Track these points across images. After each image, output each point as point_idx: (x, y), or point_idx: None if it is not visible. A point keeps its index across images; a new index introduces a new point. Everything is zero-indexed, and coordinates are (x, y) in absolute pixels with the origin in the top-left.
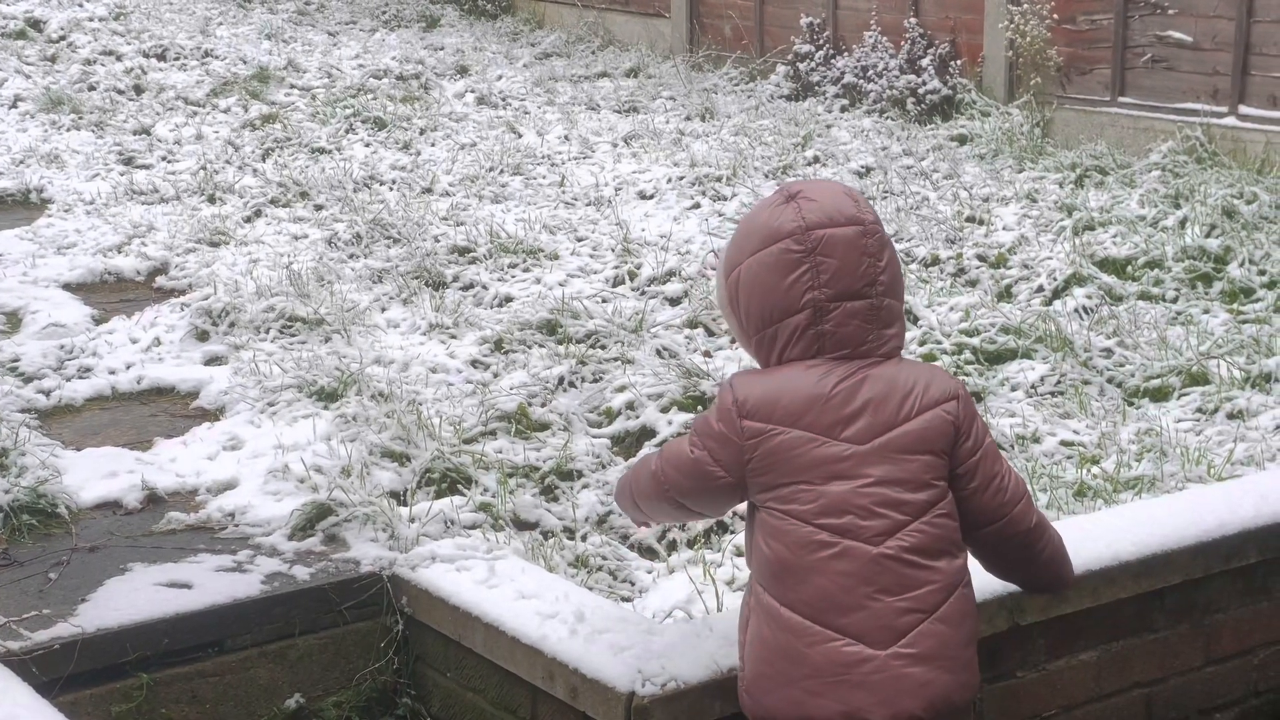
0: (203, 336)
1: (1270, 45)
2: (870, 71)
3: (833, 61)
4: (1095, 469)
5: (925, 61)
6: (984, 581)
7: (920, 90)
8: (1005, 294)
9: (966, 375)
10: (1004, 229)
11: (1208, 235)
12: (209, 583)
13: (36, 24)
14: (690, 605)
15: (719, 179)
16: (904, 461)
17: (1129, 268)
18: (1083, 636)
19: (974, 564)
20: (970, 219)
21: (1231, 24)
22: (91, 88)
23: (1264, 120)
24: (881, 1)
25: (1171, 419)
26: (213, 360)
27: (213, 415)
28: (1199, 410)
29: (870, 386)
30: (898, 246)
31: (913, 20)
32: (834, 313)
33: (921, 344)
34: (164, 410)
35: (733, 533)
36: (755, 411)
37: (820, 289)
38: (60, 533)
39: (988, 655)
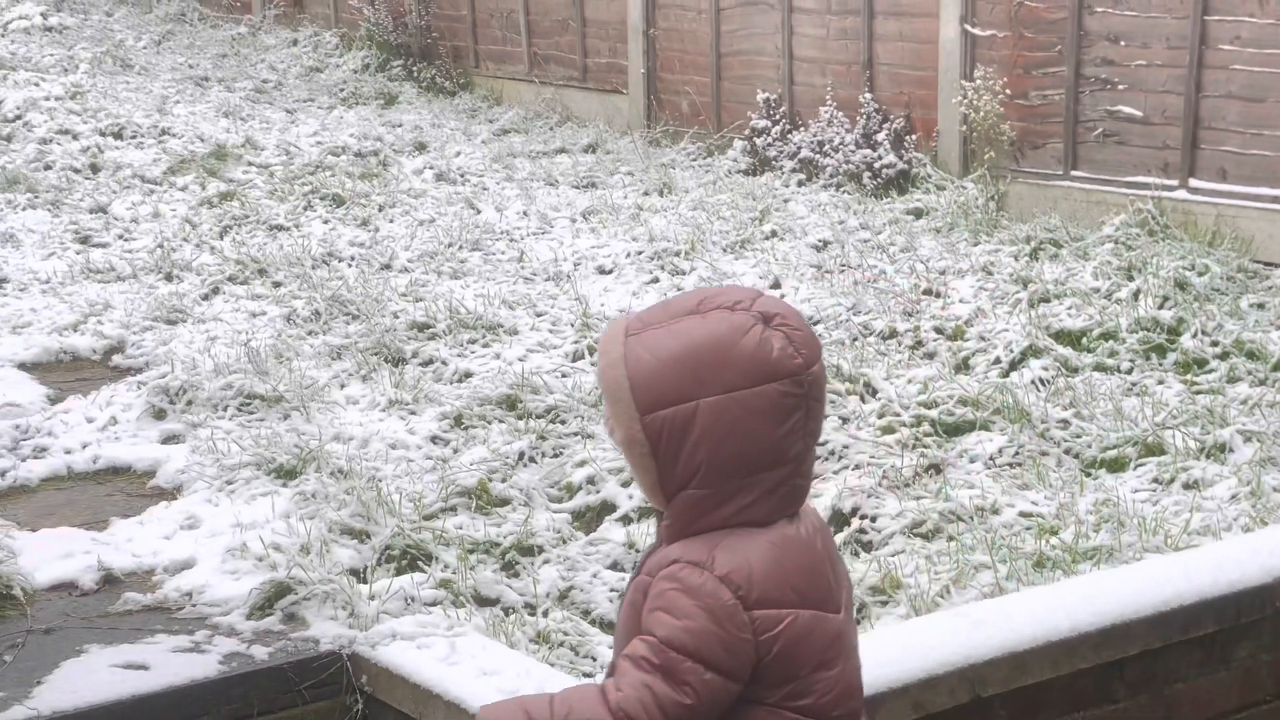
0: (160, 415)
1: (1218, 119)
2: (826, 146)
3: (789, 137)
4: (1054, 539)
5: (881, 136)
6: (944, 654)
7: (876, 164)
8: (963, 366)
9: (925, 447)
10: (960, 301)
11: (1160, 307)
12: (167, 664)
13: None
14: None
15: (678, 253)
16: (854, 623)
17: (1084, 339)
18: (1044, 708)
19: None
20: (927, 291)
21: (1180, 99)
22: (48, 167)
23: (1214, 193)
24: (837, 77)
25: (1128, 489)
26: (170, 439)
27: (170, 494)
28: (1155, 480)
29: (827, 542)
30: (855, 320)
31: (868, 95)
32: (808, 463)
33: (880, 416)
34: (121, 490)
35: None
36: (764, 596)
37: (807, 437)
38: (15, 615)
39: None
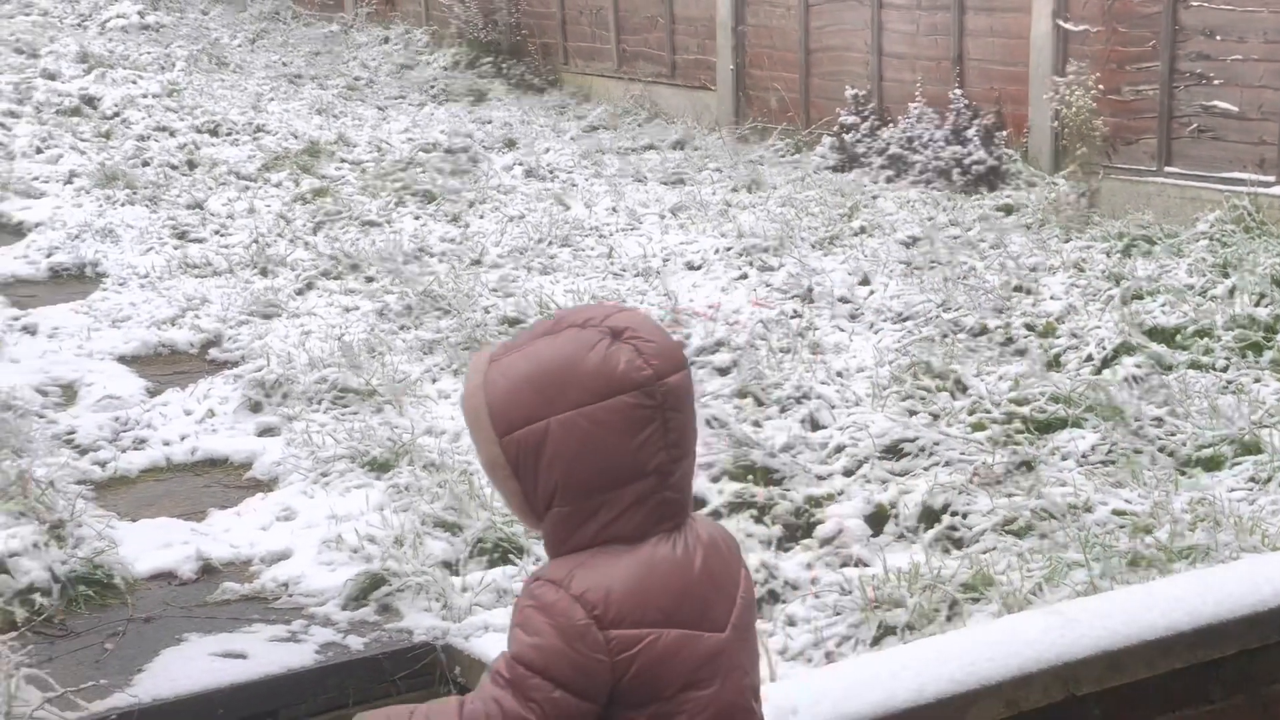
0: (256, 408)
1: None
2: (915, 142)
3: (878, 133)
4: (1148, 538)
5: (970, 132)
6: (1038, 651)
7: (966, 161)
8: (1054, 363)
9: (1017, 444)
10: (1051, 298)
11: (1257, 304)
12: (264, 653)
13: (91, 101)
14: None
15: (766, 249)
16: (748, 640)
17: (1178, 336)
18: (1138, 707)
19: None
20: (1018, 288)
21: (1277, 94)
22: (145, 163)
23: None
24: (926, 73)
25: (1224, 488)
26: (266, 431)
27: (266, 486)
28: (1252, 479)
29: (709, 555)
30: (945, 316)
31: (958, 91)
32: (676, 476)
33: (970, 413)
34: (218, 481)
35: (784, 602)
36: (622, 616)
37: (669, 449)
38: (116, 603)
39: None
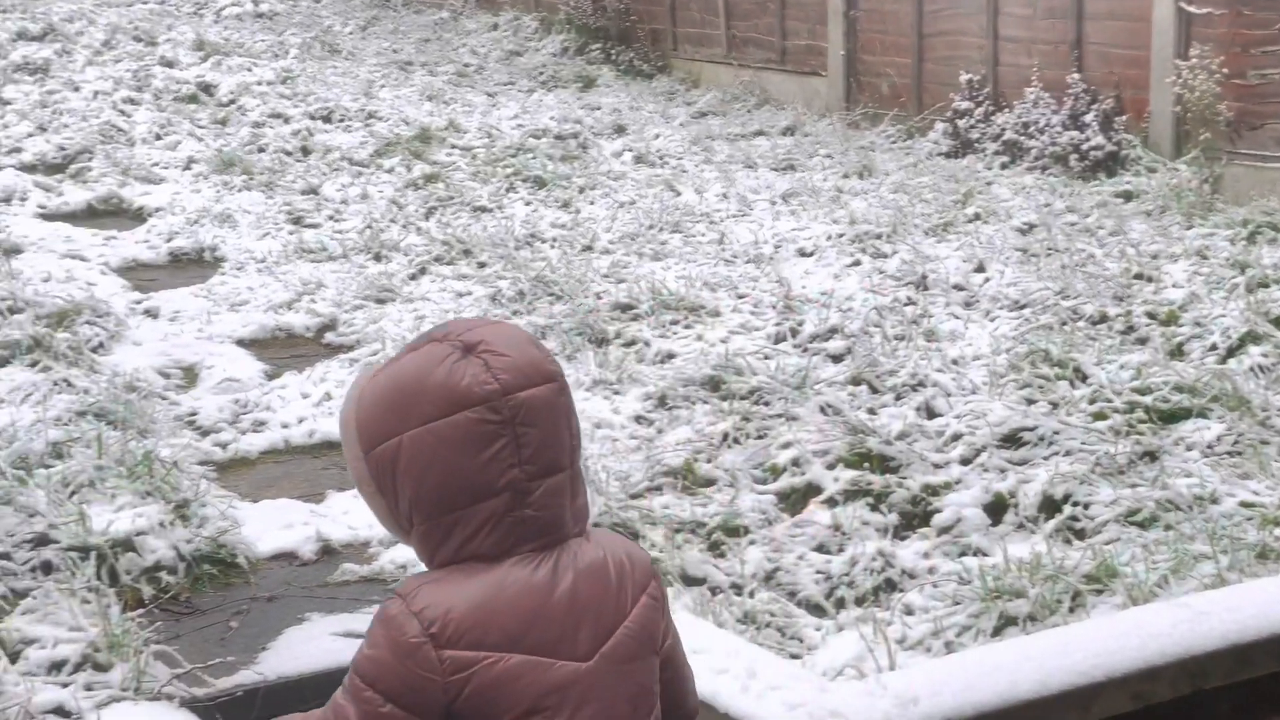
0: None
1: None
2: (1031, 128)
3: (993, 118)
4: (1277, 531)
5: (1089, 117)
6: (1164, 644)
7: (1083, 146)
8: (1177, 352)
9: (1140, 434)
10: (1173, 286)
11: None
12: None
13: (208, 88)
14: (861, 663)
15: (879, 236)
16: (630, 672)
17: None
18: (1267, 702)
19: None
20: (1138, 276)
21: None
22: (261, 149)
23: None
24: (1043, 57)
25: None
26: None
27: None
28: None
29: (583, 579)
30: (1064, 304)
31: (1076, 76)
32: (536, 494)
33: (1091, 402)
34: (335, 463)
35: (901, 591)
36: (459, 637)
37: (522, 466)
38: (239, 582)
39: None
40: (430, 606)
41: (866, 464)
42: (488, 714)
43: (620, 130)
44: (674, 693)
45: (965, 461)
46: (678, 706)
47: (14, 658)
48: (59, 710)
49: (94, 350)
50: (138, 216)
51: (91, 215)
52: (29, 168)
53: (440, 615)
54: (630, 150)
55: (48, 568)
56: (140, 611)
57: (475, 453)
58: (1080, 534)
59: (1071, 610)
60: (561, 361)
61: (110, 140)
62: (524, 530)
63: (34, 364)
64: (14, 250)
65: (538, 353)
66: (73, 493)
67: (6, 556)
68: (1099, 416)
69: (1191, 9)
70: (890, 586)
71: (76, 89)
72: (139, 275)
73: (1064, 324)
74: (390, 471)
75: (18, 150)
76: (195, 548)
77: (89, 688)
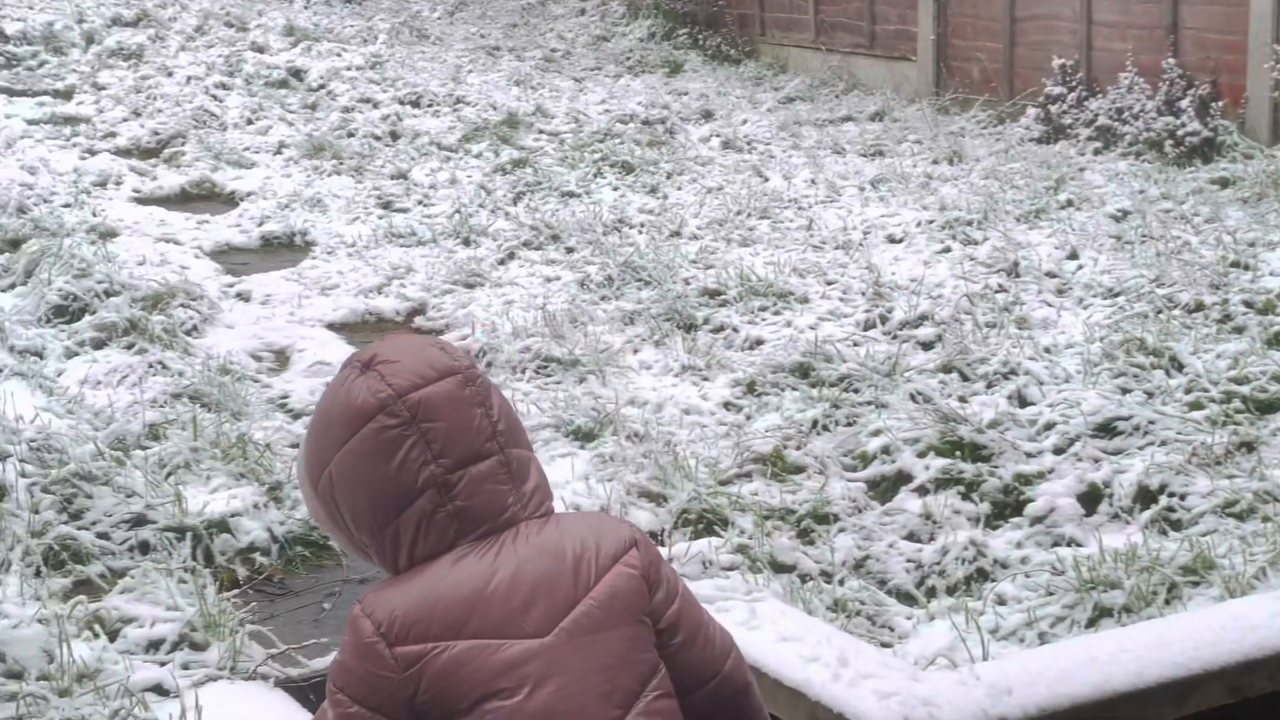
0: None
1: None
2: (1125, 113)
3: (1085, 103)
4: None
5: (1184, 103)
6: (1263, 636)
7: (1179, 132)
8: (1275, 341)
9: (1237, 424)
10: (1271, 274)
11: None
12: None
13: (298, 73)
14: (953, 652)
15: (969, 223)
16: (600, 643)
17: None
18: None
19: None
20: (1235, 264)
21: None
22: (350, 134)
23: None
24: (1138, 42)
25: None
26: None
27: None
28: None
29: (530, 560)
30: (1159, 292)
31: (1171, 61)
32: (460, 484)
33: (1187, 391)
34: None
35: (993, 580)
36: (406, 633)
37: (436, 461)
38: (331, 564)
39: None
40: (379, 608)
41: (958, 452)
42: (447, 703)
43: (707, 116)
44: (690, 658)
45: (1058, 451)
46: (702, 670)
47: (113, 636)
48: (157, 688)
49: (188, 333)
50: (230, 200)
51: (185, 199)
52: (124, 152)
53: (387, 615)
54: (718, 136)
55: (145, 547)
56: (235, 592)
57: (387, 460)
58: (1176, 525)
59: (1167, 602)
60: (649, 348)
61: (203, 125)
62: (461, 523)
63: (130, 346)
64: (110, 234)
65: (436, 352)
66: (169, 474)
67: (105, 536)
68: (1195, 406)
69: None
70: (982, 576)
71: (170, 74)
72: (231, 259)
73: (1159, 312)
74: (332, 500)
75: (113, 135)
76: (288, 530)
77: (186, 666)
